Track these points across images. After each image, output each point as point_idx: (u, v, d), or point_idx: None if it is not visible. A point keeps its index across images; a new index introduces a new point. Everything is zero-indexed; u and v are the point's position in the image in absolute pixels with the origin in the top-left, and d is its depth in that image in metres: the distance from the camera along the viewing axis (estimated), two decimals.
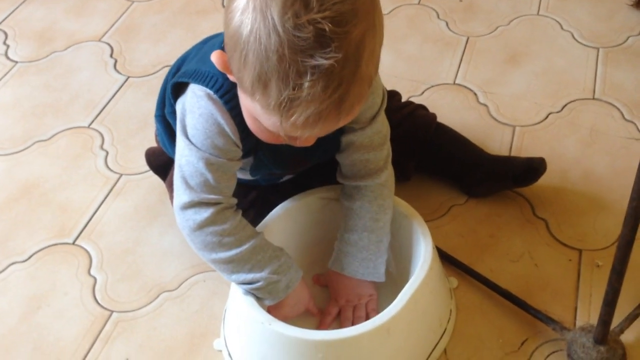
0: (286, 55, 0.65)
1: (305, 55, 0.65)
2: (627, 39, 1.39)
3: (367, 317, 0.91)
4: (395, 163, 1.09)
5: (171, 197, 1.02)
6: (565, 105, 1.26)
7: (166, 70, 1.01)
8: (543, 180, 1.10)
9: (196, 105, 0.83)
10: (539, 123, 1.23)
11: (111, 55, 1.47)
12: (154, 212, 1.14)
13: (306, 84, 0.66)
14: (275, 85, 0.67)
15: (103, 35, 1.52)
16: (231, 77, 0.76)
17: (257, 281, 0.85)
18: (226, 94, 0.81)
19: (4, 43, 1.52)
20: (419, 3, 1.54)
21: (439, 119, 1.15)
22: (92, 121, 1.31)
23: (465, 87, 1.32)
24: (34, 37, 1.53)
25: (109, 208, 1.15)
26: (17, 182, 1.21)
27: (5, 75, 1.44)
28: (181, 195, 0.84)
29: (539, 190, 1.10)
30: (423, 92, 1.31)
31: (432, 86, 1.32)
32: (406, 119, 1.12)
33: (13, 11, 1.62)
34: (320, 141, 0.80)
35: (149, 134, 1.25)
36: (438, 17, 1.50)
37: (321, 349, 0.82)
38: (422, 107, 1.16)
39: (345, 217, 0.95)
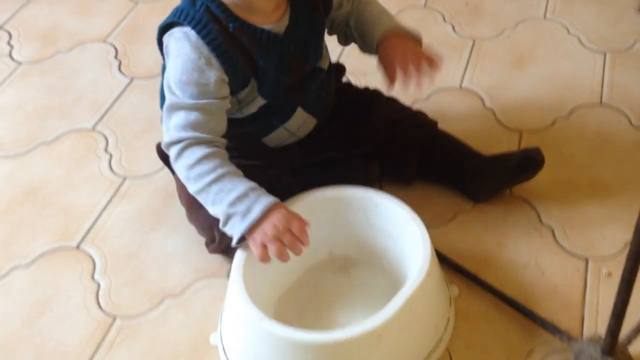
0: None
1: None
2: (634, 43, 1.38)
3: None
4: (397, 162, 1.11)
5: (178, 188, 1.04)
6: (572, 110, 1.25)
7: None
8: (549, 186, 1.09)
9: (174, 47, 0.88)
10: (545, 128, 1.22)
11: (116, 57, 1.46)
12: (158, 216, 1.13)
13: None
14: None
15: (108, 36, 1.52)
16: None
17: (218, 215, 0.87)
18: (203, 29, 0.86)
19: (8, 44, 1.52)
20: (425, 6, 1.54)
21: (445, 123, 1.15)
22: (96, 123, 1.31)
23: (472, 91, 1.31)
24: (38, 38, 1.53)
25: (113, 212, 1.14)
26: (20, 185, 1.20)
27: (9, 76, 1.43)
28: (164, 136, 0.90)
29: (545, 197, 1.10)
30: (429, 97, 1.30)
31: (439, 90, 1.32)
32: (408, 118, 1.13)
33: (17, 11, 1.61)
34: (309, 40, 0.96)
35: (153, 136, 1.25)
36: (444, 20, 1.49)
37: (310, 351, 0.81)
38: (423, 113, 1.16)
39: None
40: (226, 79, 0.89)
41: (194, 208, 0.99)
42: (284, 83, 0.96)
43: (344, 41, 1.09)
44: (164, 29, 0.91)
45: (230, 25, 0.88)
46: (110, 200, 1.16)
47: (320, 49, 1.00)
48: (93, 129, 1.30)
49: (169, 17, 0.90)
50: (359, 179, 1.04)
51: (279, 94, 0.97)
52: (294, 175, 1.03)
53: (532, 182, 1.09)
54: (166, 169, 1.17)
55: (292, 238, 0.84)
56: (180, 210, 1.08)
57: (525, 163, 1.06)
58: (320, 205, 0.97)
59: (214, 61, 0.87)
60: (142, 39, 1.50)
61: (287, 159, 1.04)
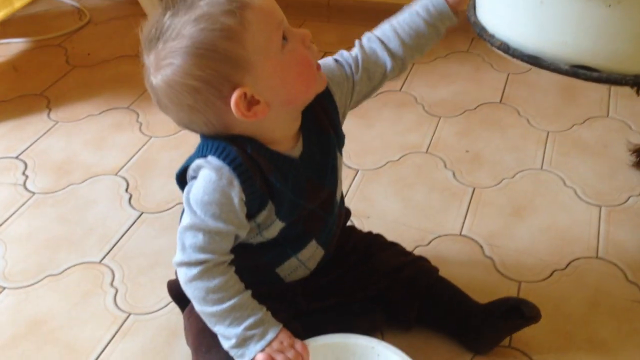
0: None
1: None
2: (629, 198, 1.43)
3: None
4: (397, 308, 1.13)
5: (186, 329, 1.06)
6: (570, 263, 1.28)
7: (180, 206, 1.05)
8: (548, 340, 1.11)
9: (196, 171, 0.92)
10: (543, 280, 1.25)
11: (126, 190, 1.51)
12: (161, 355, 1.14)
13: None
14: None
15: (120, 169, 1.57)
16: (241, 93, 0.86)
17: (231, 337, 0.93)
18: (223, 151, 0.90)
19: (23, 173, 1.57)
20: (426, 151, 1.60)
21: (445, 270, 1.18)
22: (104, 256, 1.33)
23: (472, 238, 1.35)
24: (53, 169, 1.58)
25: (115, 348, 1.15)
26: (25, 318, 1.21)
27: (22, 206, 1.47)
28: (177, 254, 0.93)
29: (544, 351, 1.11)
30: (430, 242, 1.34)
31: (439, 236, 1.36)
32: (411, 264, 1.15)
33: (35, 142, 1.68)
34: (324, 163, 1.00)
35: (158, 273, 1.27)
36: (445, 166, 1.55)
37: None
38: (425, 259, 1.19)
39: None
40: (245, 199, 0.91)
41: (200, 351, 1.01)
42: (301, 207, 0.99)
43: (399, 66, 1.05)
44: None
45: (249, 146, 0.91)
46: (113, 336, 1.17)
47: (335, 170, 1.03)
48: (100, 262, 1.32)
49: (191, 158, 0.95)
50: (362, 324, 1.07)
51: (297, 219, 0.99)
52: (299, 319, 1.05)
53: (530, 335, 1.11)
54: (171, 306, 1.19)
55: (295, 353, 0.95)
56: (184, 350, 1.10)
57: (516, 314, 1.08)
58: (324, 351, 0.99)
59: (235, 182, 0.89)
60: (154, 173, 1.55)
61: (293, 306, 1.06)
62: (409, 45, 1.01)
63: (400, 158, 1.58)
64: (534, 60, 0.88)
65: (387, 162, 1.57)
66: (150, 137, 1.68)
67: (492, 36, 0.93)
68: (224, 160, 0.90)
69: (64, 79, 1.95)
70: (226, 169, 0.89)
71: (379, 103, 1.77)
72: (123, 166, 1.59)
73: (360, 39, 1.03)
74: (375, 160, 1.58)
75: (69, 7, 2.36)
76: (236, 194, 0.90)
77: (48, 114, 1.79)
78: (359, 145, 1.63)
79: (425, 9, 0.99)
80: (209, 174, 0.90)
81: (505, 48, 0.90)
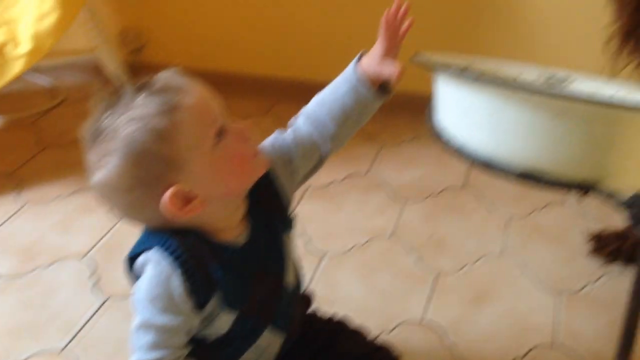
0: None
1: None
2: (586, 286, 1.47)
3: None
4: None
5: None
6: (529, 351, 1.31)
7: None
8: None
9: (141, 267, 0.92)
10: None
11: (93, 274, 1.51)
12: None
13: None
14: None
15: (87, 253, 1.58)
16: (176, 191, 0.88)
17: None
18: (165, 243, 0.90)
19: None
20: (391, 236, 1.64)
21: (408, 357, 1.19)
22: (67, 344, 1.33)
23: (434, 325, 1.37)
24: (19, 252, 1.59)
25: None
26: None
27: None
28: (134, 354, 0.91)
29: None
30: (393, 329, 1.36)
31: (402, 323, 1.38)
32: (373, 352, 1.17)
33: (2, 224, 1.68)
34: (270, 250, 1.01)
35: None
36: (409, 252, 1.58)
37: None
38: (388, 349, 1.21)
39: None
40: (190, 291, 0.92)
41: None
42: (248, 294, 0.99)
43: (336, 146, 1.07)
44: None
45: (191, 238, 0.92)
46: None
47: (283, 255, 1.04)
48: (63, 349, 1.32)
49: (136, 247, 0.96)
50: None
51: (246, 308, 1.00)
52: None
53: None
54: None
55: None
56: None
57: None
58: None
59: (177, 274, 0.90)
60: (120, 257, 1.55)
61: None
62: (342, 128, 1.03)
63: (365, 242, 1.61)
64: (488, 165, 0.92)
65: (353, 247, 1.60)
66: (118, 219, 1.69)
67: (448, 140, 0.97)
68: (165, 253, 0.91)
69: (36, 158, 1.97)
70: (168, 262, 0.91)
71: (346, 187, 1.81)
72: (90, 249, 1.59)
73: (296, 117, 1.05)
74: (341, 245, 1.61)
75: (42, 86, 2.39)
76: (179, 287, 0.91)
77: (17, 195, 1.80)
78: (325, 229, 1.66)
79: (354, 92, 1.02)
80: (152, 269, 0.91)
81: (461, 152, 0.94)
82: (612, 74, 1.34)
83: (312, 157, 1.05)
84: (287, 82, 2.26)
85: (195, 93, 0.91)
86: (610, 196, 0.83)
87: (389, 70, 0.98)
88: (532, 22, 1.94)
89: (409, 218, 1.70)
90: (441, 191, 1.80)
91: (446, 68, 0.91)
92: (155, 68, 2.24)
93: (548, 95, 0.83)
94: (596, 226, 1.62)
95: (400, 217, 1.70)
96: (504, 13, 1.97)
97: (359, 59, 1.03)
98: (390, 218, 1.70)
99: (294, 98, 2.25)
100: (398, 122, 2.09)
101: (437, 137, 1.00)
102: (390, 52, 1.00)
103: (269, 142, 1.06)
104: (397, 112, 2.05)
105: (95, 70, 2.33)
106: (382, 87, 1.02)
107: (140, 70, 2.29)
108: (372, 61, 1.01)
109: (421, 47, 1.88)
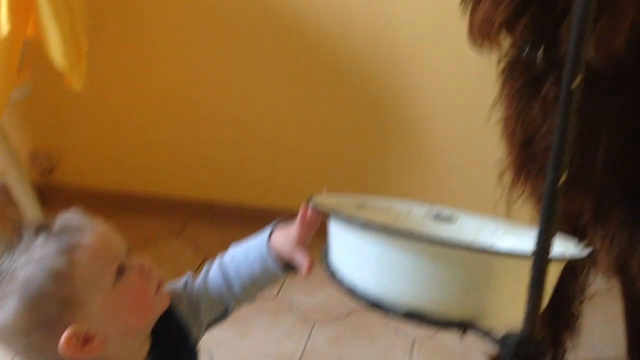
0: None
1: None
2: None
3: None
4: None
5: None
6: None
7: None
8: None
9: None
10: None
11: None
12: None
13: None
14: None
15: None
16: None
17: None
18: None
19: None
20: None
21: None
22: None
23: None
24: None
25: None
26: None
27: None
28: None
29: None
30: None
31: None
32: None
33: None
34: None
35: None
36: None
37: None
38: None
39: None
40: None
41: None
42: None
43: (245, 301, 1.10)
44: None
45: None
46: None
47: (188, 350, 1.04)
48: None
49: None
50: None
51: None
52: None
53: None
54: None
55: None
56: None
57: None
58: None
59: None
60: None
61: None
62: (248, 292, 1.08)
63: None
64: (376, 305, 0.96)
65: None
66: None
67: (341, 280, 1.02)
68: None
69: None
70: None
71: (254, 311, 1.81)
72: None
73: (211, 263, 1.09)
74: None
75: None
76: None
77: None
78: (233, 356, 1.66)
79: (263, 263, 1.06)
80: None
81: (351, 292, 0.99)
82: (507, 205, 1.44)
83: (218, 308, 1.08)
84: (198, 203, 2.29)
85: (95, 232, 0.93)
86: (486, 334, 0.88)
87: (300, 260, 1.04)
88: (433, 160, 2.07)
89: (317, 342, 1.72)
90: (349, 313, 1.84)
91: (337, 213, 0.97)
92: (66, 189, 2.26)
93: (427, 242, 0.89)
94: (494, 350, 1.68)
95: (309, 341, 1.72)
96: (408, 153, 2.09)
97: (274, 227, 1.08)
98: (299, 342, 1.72)
99: (206, 219, 2.29)
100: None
101: (331, 276, 1.04)
102: (303, 241, 1.05)
103: (181, 283, 1.08)
104: None
105: (3, 192, 2.31)
106: (290, 264, 1.07)
107: (51, 192, 2.29)
108: (285, 242, 1.05)
109: (329, 183, 1.99)
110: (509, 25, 1.25)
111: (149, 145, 2.28)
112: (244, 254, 1.07)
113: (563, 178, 0.71)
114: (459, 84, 1.95)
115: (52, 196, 2.25)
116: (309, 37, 2.03)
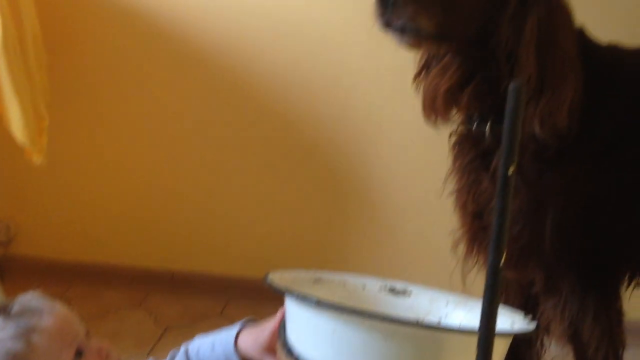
0: None
1: None
2: None
3: None
4: None
5: None
6: None
7: None
8: None
9: None
10: None
11: None
12: None
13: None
14: None
15: None
16: None
17: None
18: None
19: None
20: None
21: None
22: None
23: None
24: None
25: None
26: None
27: None
28: None
29: None
30: None
31: None
32: None
33: None
34: None
35: None
36: None
37: None
38: None
39: None
40: None
41: None
42: None
43: None
44: None
45: None
46: None
47: None
48: None
49: None
50: None
51: None
52: None
53: None
54: None
55: None
56: None
57: None
58: None
59: None
60: None
61: None
62: None
63: None
64: None
65: None
66: None
67: (298, 355, 1.04)
68: None
69: None
70: None
71: None
72: None
73: (173, 355, 1.10)
74: None
75: None
76: None
77: None
78: None
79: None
80: None
81: None
82: (461, 276, 1.48)
83: None
84: (159, 273, 2.28)
85: (54, 315, 0.94)
86: None
87: None
88: (392, 231, 2.11)
89: None
90: None
91: (291, 292, 0.99)
92: (25, 261, 2.24)
93: (378, 319, 0.92)
94: None
95: None
96: (366, 224, 2.13)
97: (243, 326, 1.10)
98: None
99: (166, 290, 2.28)
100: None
101: (287, 354, 1.06)
102: (274, 348, 1.07)
103: None
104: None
105: None
106: None
107: (9, 264, 2.26)
108: (254, 345, 1.07)
109: (288, 254, 2.01)
110: (454, 96, 1.30)
111: (108, 217, 2.28)
112: (209, 349, 1.08)
113: (503, 259, 0.75)
114: (416, 156, 2.00)
115: (10, 268, 2.23)
116: (265, 109, 2.08)
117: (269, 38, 2.00)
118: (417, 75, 1.42)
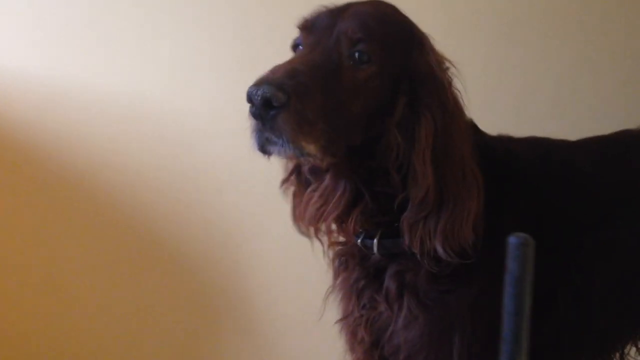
0: None
1: None
2: None
3: None
4: None
5: None
6: None
7: None
8: None
9: None
10: None
11: None
12: None
13: None
14: None
15: None
16: None
17: None
18: None
19: None
20: None
21: None
22: None
23: None
24: None
25: None
26: None
27: None
28: None
29: None
30: None
31: None
32: None
33: None
34: None
35: None
36: None
37: None
38: None
39: None
40: None
41: None
42: None
43: None
44: None
45: None
46: None
47: None
48: None
49: None
50: None
51: None
52: None
53: None
54: None
55: None
56: None
57: None
58: None
59: None
60: None
61: None
62: None
63: None
64: None
65: None
66: None
67: None
68: None
69: None
70: None
71: None
72: None
73: None
74: None
75: None
76: None
77: None
78: None
79: None
80: None
81: None
82: None
83: None
84: None
85: None
86: None
87: None
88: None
89: None
90: None
91: None
92: None
93: None
94: None
95: None
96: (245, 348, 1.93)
97: None
98: None
99: None
100: None
101: None
102: None
103: None
104: None
105: None
106: None
107: None
108: None
109: None
110: (340, 220, 1.13)
111: None
112: None
113: None
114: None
115: None
116: (121, 219, 1.85)
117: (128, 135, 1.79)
118: (285, 180, 1.21)
